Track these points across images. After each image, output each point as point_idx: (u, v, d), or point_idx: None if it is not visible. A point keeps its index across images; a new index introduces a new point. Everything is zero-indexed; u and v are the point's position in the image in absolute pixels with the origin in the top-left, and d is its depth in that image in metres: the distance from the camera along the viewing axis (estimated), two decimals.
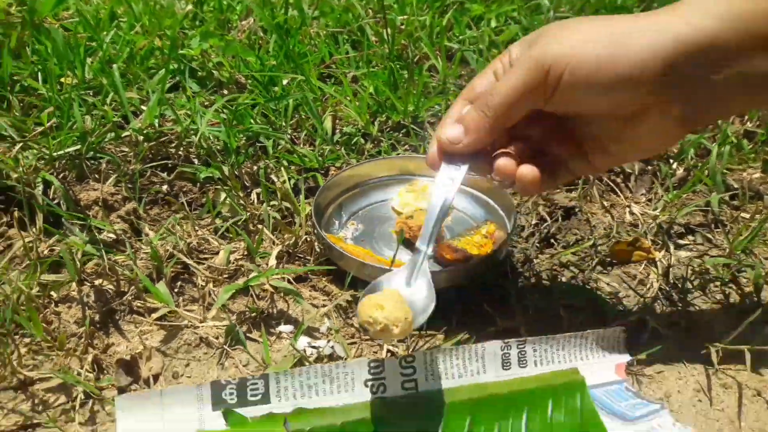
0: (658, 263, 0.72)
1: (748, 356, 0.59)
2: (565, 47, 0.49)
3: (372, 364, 0.54)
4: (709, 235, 0.79)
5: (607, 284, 0.71)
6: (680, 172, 0.88)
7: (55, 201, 0.75)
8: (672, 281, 0.70)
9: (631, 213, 0.82)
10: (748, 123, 0.97)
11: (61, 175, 0.81)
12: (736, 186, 0.84)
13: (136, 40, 1.02)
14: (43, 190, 0.76)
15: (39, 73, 0.92)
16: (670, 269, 0.71)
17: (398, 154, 0.87)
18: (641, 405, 0.55)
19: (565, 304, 0.67)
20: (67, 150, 0.81)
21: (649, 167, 0.89)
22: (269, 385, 0.52)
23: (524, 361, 0.57)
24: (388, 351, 0.61)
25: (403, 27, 1.10)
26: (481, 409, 0.54)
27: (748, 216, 0.80)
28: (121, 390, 0.58)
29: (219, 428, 0.51)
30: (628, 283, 0.71)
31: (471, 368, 0.56)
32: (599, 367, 0.59)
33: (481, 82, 0.57)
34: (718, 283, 0.71)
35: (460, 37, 1.12)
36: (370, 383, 0.54)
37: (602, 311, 0.67)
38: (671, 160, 0.90)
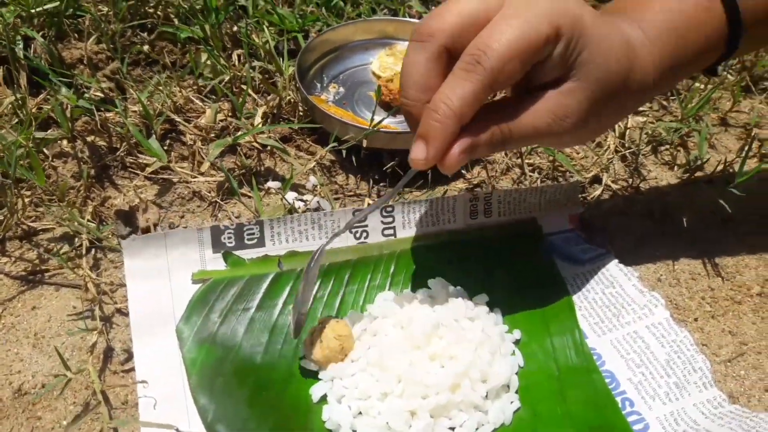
0: (616, 127, 0.76)
1: (688, 212, 0.65)
2: (587, 22, 0.44)
3: (356, 213, 0.58)
4: (665, 103, 0.82)
5: (569, 147, 0.75)
6: None
7: (35, 61, 0.74)
8: (627, 144, 0.74)
9: None
10: None
11: (41, 33, 0.79)
12: None
13: None
14: (24, 48, 0.75)
15: None
16: (627, 132, 0.75)
17: (377, 17, 0.87)
18: (591, 249, 0.62)
19: (530, 163, 0.72)
20: (45, 7, 0.78)
21: None
22: (264, 231, 0.57)
23: (489, 212, 0.62)
24: (369, 205, 0.66)
25: None
26: (450, 252, 0.60)
27: (702, 86, 0.84)
28: (121, 238, 0.62)
29: (219, 268, 0.55)
30: (587, 145, 0.75)
31: (443, 218, 0.61)
32: (555, 217, 0.64)
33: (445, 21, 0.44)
34: (668, 146, 0.75)
35: None
36: (354, 230, 0.58)
37: (562, 170, 0.72)
38: None
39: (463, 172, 0.71)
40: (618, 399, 0.50)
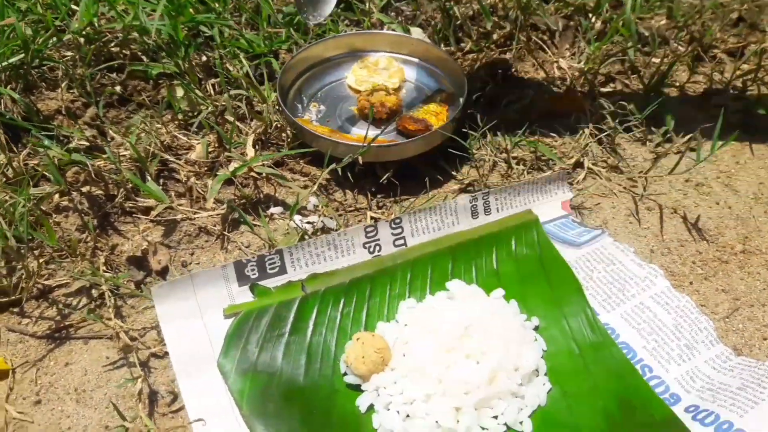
0: (588, 111, 0.82)
1: (666, 184, 0.71)
2: None
3: (368, 229, 0.62)
4: (627, 81, 0.89)
5: (546, 135, 0.81)
6: (598, 25, 0.95)
7: (9, 116, 0.75)
8: (599, 126, 0.80)
9: (559, 68, 0.90)
10: None
11: (8, 87, 0.79)
12: (646, 34, 0.93)
13: None
14: None
15: None
16: (597, 116, 0.80)
17: (344, 32, 0.90)
18: (585, 232, 0.67)
19: (514, 157, 0.77)
20: (10, 60, 0.79)
21: (571, 23, 0.96)
22: (284, 259, 0.60)
23: (489, 209, 0.67)
24: (373, 218, 0.69)
25: None
26: (460, 253, 0.64)
27: (658, 60, 0.90)
28: (137, 284, 0.64)
29: (248, 300, 0.58)
30: (564, 132, 0.81)
31: (447, 221, 0.65)
32: (549, 205, 0.69)
33: None
34: (636, 123, 0.81)
35: None
36: (367, 245, 0.62)
37: (545, 159, 0.77)
38: (590, 14, 0.97)
39: (453, 173, 0.75)
40: (638, 367, 0.55)
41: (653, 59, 0.91)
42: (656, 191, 0.73)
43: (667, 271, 0.65)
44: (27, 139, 0.75)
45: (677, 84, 0.88)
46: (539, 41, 0.93)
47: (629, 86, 0.88)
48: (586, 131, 0.79)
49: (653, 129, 0.81)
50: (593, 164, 0.76)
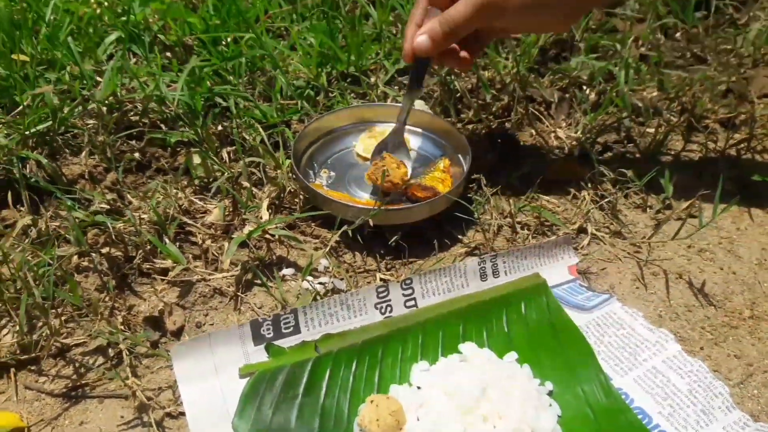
0: (587, 179, 0.81)
1: (670, 249, 0.70)
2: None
3: (379, 289, 0.60)
4: (624, 150, 0.89)
5: (548, 201, 0.80)
6: (592, 96, 0.97)
7: (33, 179, 0.74)
8: (600, 193, 0.80)
9: (557, 137, 0.91)
10: (642, 47, 1.07)
11: (35, 152, 0.79)
12: (639, 105, 0.94)
13: (74, 9, 0.98)
14: (21, 169, 0.75)
15: None
16: (597, 183, 0.80)
17: (352, 104, 0.91)
18: (594, 296, 0.65)
19: (518, 222, 0.76)
20: (38, 128, 0.79)
21: (566, 95, 0.98)
22: (298, 318, 0.58)
23: (497, 272, 0.65)
24: (382, 279, 0.68)
25: None
26: (470, 315, 0.62)
27: (652, 130, 0.91)
28: (153, 344, 0.62)
29: (263, 360, 0.56)
30: (565, 198, 0.81)
31: (457, 283, 0.64)
32: (556, 269, 0.68)
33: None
34: (636, 189, 0.81)
35: None
36: (379, 306, 0.61)
37: (548, 224, 0.76)
38: (584, 87, 0.98)
39: (460, 236, 0.74)
40: None
41: (647, 129, 0.92)
42: (660, 257, 0.72)
43: (677, 336, 0.63)
44: (48, 202, 0.74)
45: (673, 152, 0.88)
46: (536, 112, 0.94)
47: (626, 155, 0.89)
48: (587, 197, 0.79)
49: (653, 195, 0.81)
50: (596, 230, 0.75)
